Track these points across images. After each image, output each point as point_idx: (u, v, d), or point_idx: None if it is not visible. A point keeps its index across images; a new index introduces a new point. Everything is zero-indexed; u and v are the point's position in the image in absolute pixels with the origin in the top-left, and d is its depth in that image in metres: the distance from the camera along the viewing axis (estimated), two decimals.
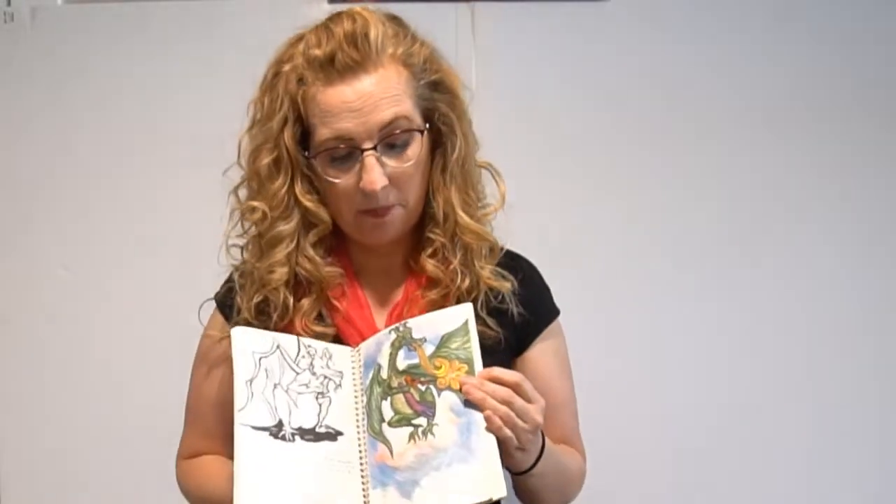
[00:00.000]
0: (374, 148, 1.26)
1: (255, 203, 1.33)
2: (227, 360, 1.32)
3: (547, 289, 1.45)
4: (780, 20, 1.92)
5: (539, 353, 1.39)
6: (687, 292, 1.91)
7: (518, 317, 1.36)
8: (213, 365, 1.40)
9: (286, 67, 1.31)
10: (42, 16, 1.95)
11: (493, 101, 1.88)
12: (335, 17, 1.30)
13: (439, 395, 1.23)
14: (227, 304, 1.39)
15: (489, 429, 1.20)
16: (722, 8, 1.92)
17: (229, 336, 1.28)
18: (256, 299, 1.34)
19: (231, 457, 1.26)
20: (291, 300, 1.33)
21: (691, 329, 1.90)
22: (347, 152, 1.27)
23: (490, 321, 1.34)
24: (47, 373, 1.92)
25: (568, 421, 1.43)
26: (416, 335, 1.27)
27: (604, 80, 1.91)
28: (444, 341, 1.26)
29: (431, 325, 1.27)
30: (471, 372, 1.23)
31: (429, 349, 1.26)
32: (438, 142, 1.34)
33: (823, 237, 1.92)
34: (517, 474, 1.29)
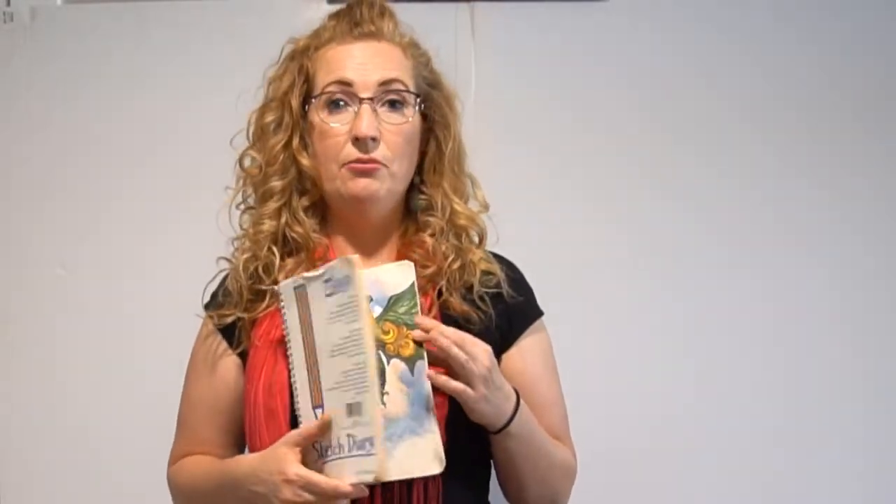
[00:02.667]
0: (372, 100, 1.33)
1: (254, 153, 1.40)
2: (217, 365, 1.38)
3: (531, 289, 1.46)
4: (782, 20, 1.91)
5: (527, 348, 1.41)
6: (686, 295, 1.90)
7: (510, 299, 1.39)
8: (204, 370, 1.42)
9: (302, 43, 1.40)
10: (42, 16, 1.95)
11: (493, 100, 1.88)
12: (356, 1, 1.40)
13: (388, 361, 1.24)
14: (212, 300, 1.44)
15: (444, 389, 1.22)
16: (722, 8, 1.92)
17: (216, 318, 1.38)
18: (245, 257, 1.37)
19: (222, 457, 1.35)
20: (277, 259, 1.36)
21: (686, 330, 1.90)
22: (344, 99, 1.34)
23: (482, 304, 1.36)
24: (46, 373, 1.92)
25: (556, 421, 1.43)
26: None
27: (603, 80, 1.91)
28: (391, 304, 1.25)
29: (378, 283, 1.26)
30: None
31: (376, 311, 1.25)
32: (432, 135, 1.40)
33: (814, 240, 1.91)
34: (495, 433, 1.29)
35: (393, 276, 1.26)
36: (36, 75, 1.94)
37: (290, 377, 1.31)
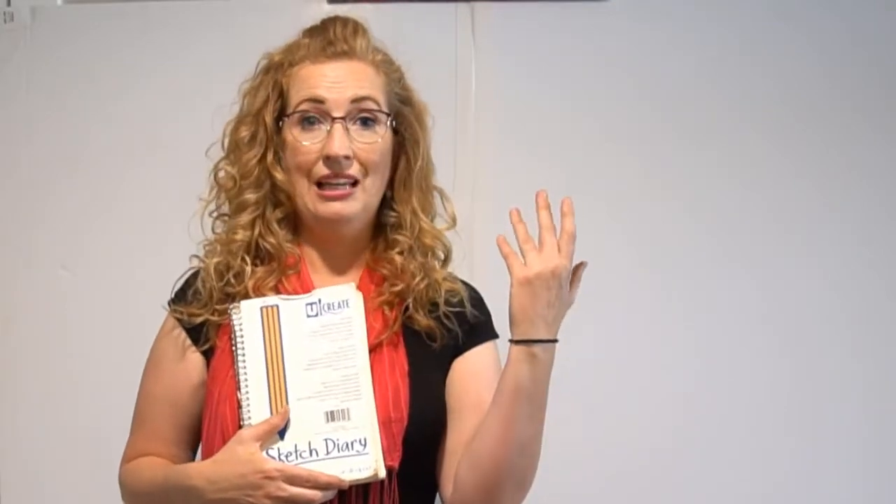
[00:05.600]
0: (344, 119, 1.35)
1: (229, 168, 1.42)
2: (182, 359, 1.40)
3: (490, 313, 1.46)
4: (781, 19, 1.92)
5: (476, 355, 1.41)
6: (686, 295, 1.91)
7: (472, 318, 1.41)
8: (168, 363, 1.42)
9: (277, 58, 1.42)
10: (42, 16, 1.95)
11: (493, 100, 1.89)
12: (331, 18, 1.43)
13: None
14: (179, 296, 1.44)
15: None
16: (722, 8, 1.92)
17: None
18: (216, 260, 1.39)
19: (177, 460, 1.38)
20: (249, 267, 1.38)
21: (686, 331, 1.90)
22: (317, 117, 1.36)
23: (447, 322, 1.38)
24: (47, 372, 1.92)
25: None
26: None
27: (603, 80, 1.91)
28: None
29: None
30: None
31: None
32: (402, 151, 1.42)
33: (814, 240, 1.91)
34: (532, 342, 1.26)
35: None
36: (36, 75, 1.94)
37: (237, 390, 1.32)
